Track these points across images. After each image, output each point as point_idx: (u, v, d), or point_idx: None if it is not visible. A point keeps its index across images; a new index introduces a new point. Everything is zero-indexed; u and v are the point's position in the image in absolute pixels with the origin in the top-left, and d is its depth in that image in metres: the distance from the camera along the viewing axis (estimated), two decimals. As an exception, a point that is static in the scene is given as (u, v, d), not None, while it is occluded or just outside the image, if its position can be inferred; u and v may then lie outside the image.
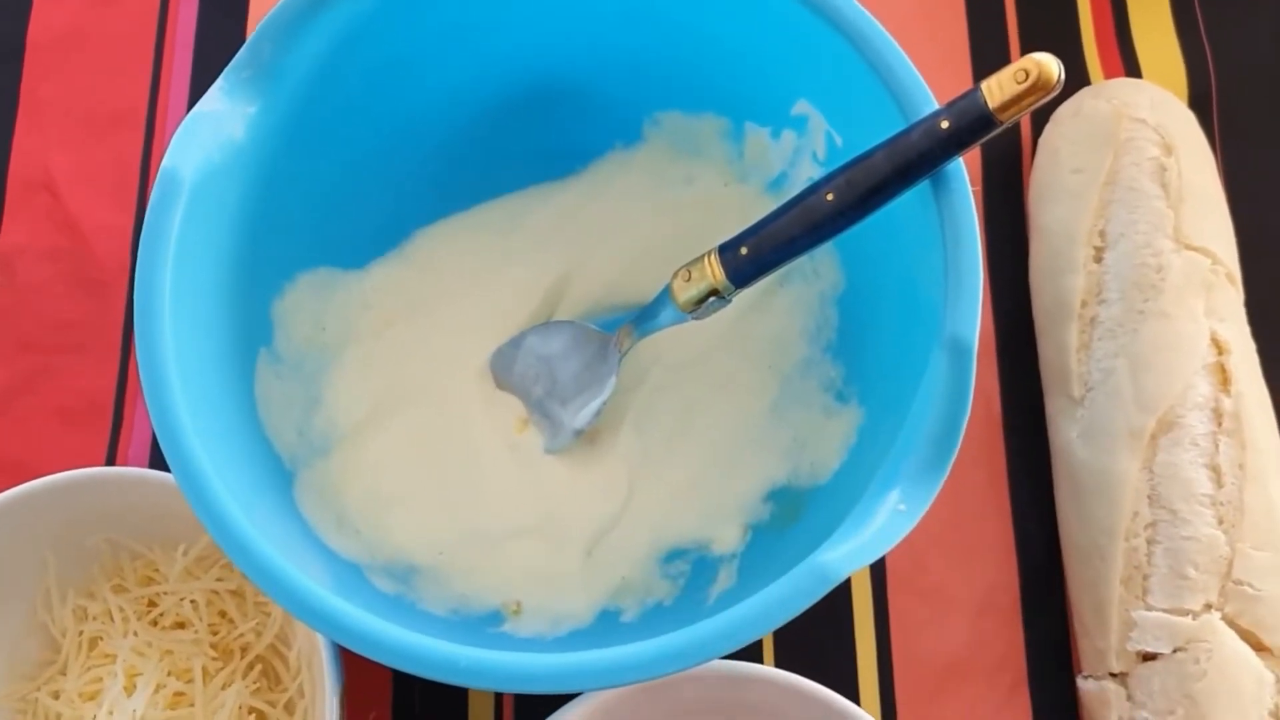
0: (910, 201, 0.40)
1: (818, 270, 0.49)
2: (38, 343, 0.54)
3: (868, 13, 0.40)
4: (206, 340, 0.41)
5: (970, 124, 0.36)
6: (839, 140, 0.45)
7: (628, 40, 0.47)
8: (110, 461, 0.53)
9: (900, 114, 0.39)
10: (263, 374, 0.46)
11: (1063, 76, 0.35)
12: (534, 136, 0.51)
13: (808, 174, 0.48)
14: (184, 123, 0.40)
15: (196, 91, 0.57)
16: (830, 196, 0.39)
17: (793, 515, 0.47)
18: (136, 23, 0.59)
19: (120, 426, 0.53)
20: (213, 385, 0.41)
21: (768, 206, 0.49)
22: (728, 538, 0.47)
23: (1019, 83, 0.35)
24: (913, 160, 0.37)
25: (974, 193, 0.38)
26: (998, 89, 0.36)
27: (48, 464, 0.50)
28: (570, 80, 0.49)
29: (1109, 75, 0.55)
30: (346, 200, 0.48)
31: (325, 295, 0.49)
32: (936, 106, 0.39)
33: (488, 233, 0.52)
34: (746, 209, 0.50)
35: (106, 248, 0.55)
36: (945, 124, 0.37)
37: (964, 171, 0.39)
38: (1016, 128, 0.55)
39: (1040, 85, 0.35)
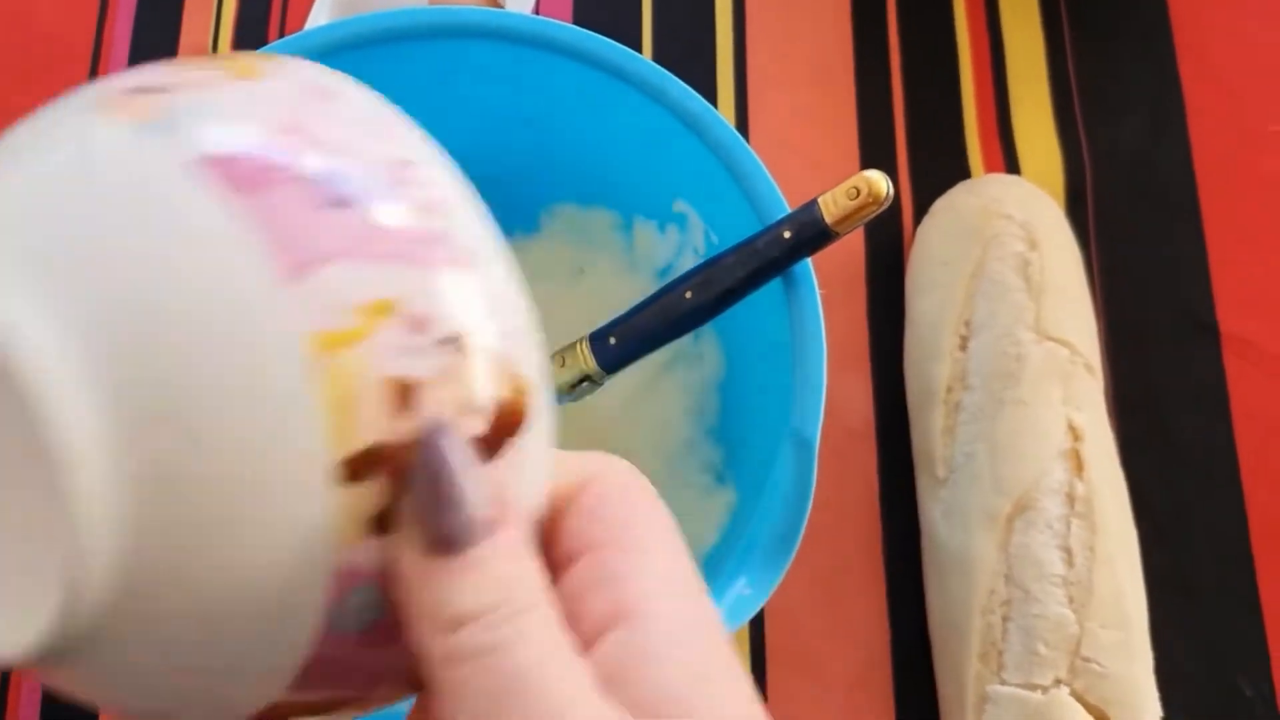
0: (774, 298, 0.42)
1: (702, 355, 0.52)
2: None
3: (728, 124, 0.43)
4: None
5: (810, 236, 0.39)
6: (715, 238, 0.48)
7: (523, 140, 0.50)
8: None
9: (758, 220, 0.42)
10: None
11: (891, 192, 0.38)
12: (437, 224, 0.54)
13: (691, 266, 0.50)
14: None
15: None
16: (689, 294, 0.42)
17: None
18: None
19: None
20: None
21: (657, 296, 0.52)
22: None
23: (851, 199, 0.38)
24: (760, 265, 0.40)
25: (822, 295, 0.41)
26: (833, 204, 0.39)
27: None
28: (468, 173, 0.52)
29: (990, 168, 0.58)
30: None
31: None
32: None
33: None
34: (637, 297, 0.52)
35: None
36: (788, 234, 0.39)
37: (812, 274, 0.41)
38: (898, 218, 0.57)
39: (871, 201, 0.38)
